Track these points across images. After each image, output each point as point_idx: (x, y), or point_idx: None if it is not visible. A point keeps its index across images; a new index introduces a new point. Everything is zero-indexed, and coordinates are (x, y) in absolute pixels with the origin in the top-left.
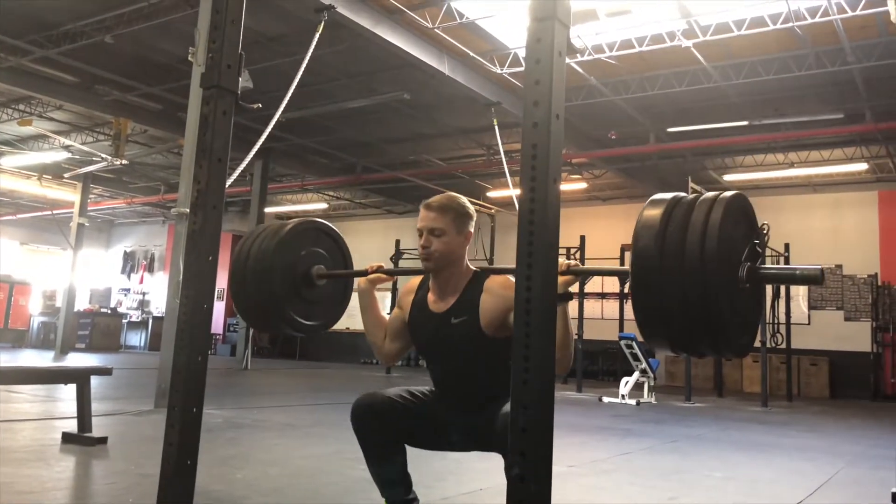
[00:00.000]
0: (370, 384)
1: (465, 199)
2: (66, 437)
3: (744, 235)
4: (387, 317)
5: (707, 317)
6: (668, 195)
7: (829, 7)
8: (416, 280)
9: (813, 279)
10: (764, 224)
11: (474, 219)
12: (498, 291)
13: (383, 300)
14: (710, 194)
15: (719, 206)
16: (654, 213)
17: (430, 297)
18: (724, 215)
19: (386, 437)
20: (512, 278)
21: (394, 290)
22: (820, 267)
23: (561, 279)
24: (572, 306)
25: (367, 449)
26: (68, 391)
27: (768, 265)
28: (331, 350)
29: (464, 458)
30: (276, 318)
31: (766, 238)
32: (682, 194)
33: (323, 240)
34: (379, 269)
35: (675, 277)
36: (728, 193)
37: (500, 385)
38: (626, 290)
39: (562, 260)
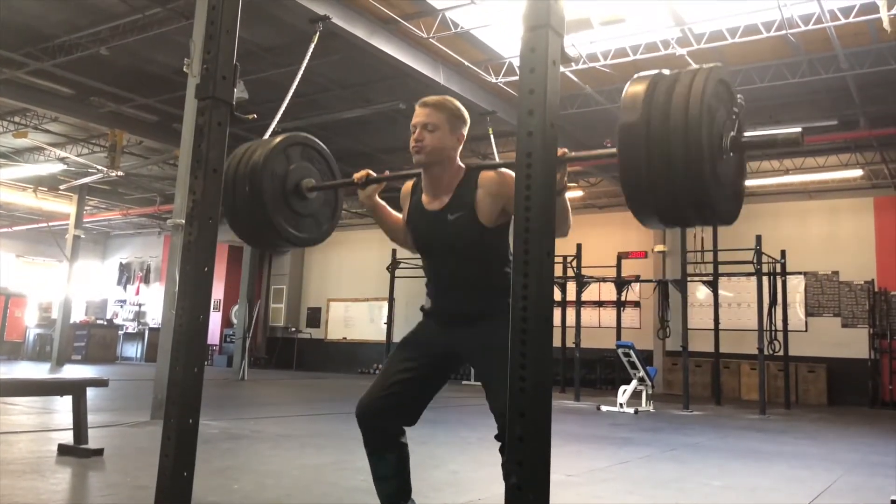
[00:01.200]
0: None
1: (460, 104)
2: (62, 449)
3: (725, 106)
4: (400, 216)
5: (692, 186)
6: (651, 72)
7: (823, 14)
8: (409, 185)
9: (792, 141)
10: (740, 96)
11: (468, 124)
12: (492, 186)
13: (380, 309)
14: (692, 68)
15: (701, 76)
16: (638, 88)
17: (425, 198)
18: (705, 85)
19: (384, 436)
20: (504, 171)
21: (391, 304)
22: (800, 130)
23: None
24: (570, 314)
25: (366, 445)
26: (64, 403)
27: (748, 133)
28: (328, 360)
29: (461, 469)
30: (267, 228)
31: (743, 108)
32: (665, 71)
33: (312, 156)
34: (368, 177)
35: (660, 148)
36: (708, 65)
37: (493, 290)
38: (623, 299)
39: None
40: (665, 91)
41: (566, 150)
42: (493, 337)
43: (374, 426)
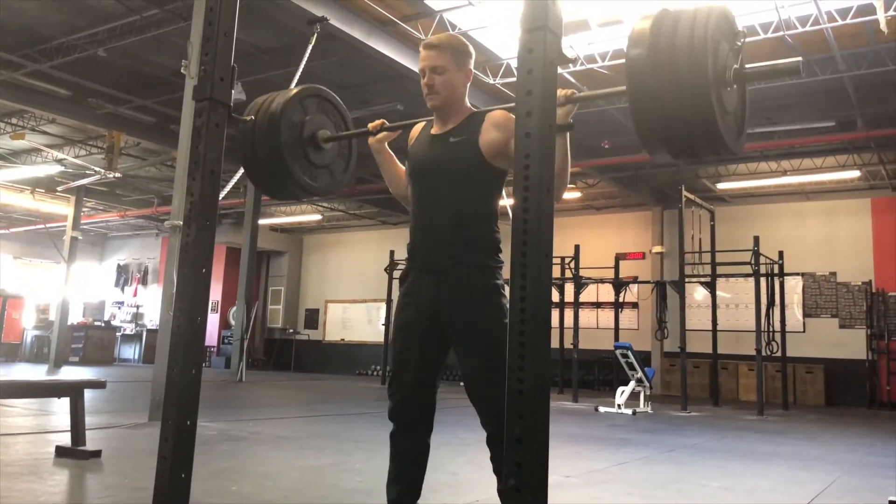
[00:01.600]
0: (366, 395)
1: (462, 38)
2: (60, 451)
3: (727, 40)
4: (403, 167)
5: (702, 117)
6: (656, 11)
7: (820, 16)
8: (420, 124)
9: (792, 70)
10: (742, 30)
11: (473, 57)
12: (500, 121)
13: (378, 311)
14: (695, 5)
15: (703, 11)
16: (644, 25)
17: (434, 128)
18: (708, 19)
19: (411, 431)
20: None
21: (389, 306)
22: (799, 59)
23: (562, 110)
24: (568, 315)
25: (393, 446)
26: (62, 405)
27: (750, 65)
28: (326, 362)
29: (460, 470)
30: (284, 175)
31: (744, 41)
32: (668, 8)
33: (327, 108)
34: (382, 126)
35: (668, 81)
36: (712, 1)
37: (477, 234)
38: (621, 300)
39: (562, 91)
40: (670, 27)
41: (575, 91)
42: (470, 293)
43: (408, 429)
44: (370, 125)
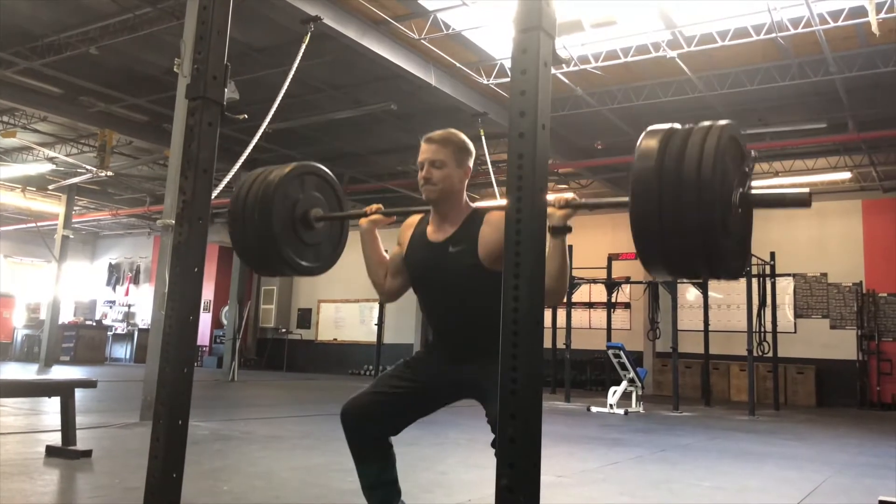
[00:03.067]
0: None
1: (464, 136)
2: (50, 451)
3: (735, 162)
4: (387, 255)
5: (704, 240)
6: (664, 126)
7: (812, 18)
8: (416, 217)
9: (801, 201)
10: (752, 151)
11: (473, 155)
12: (498, 224)
13: (371, 311)
14: (705, 124)
15: (713, 134)
16: (652, 142)
17: (430, 229)
18: (717, 143)
19: (365, 438)
20: None
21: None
22: (808, 190)
23: (560, 213)
24: (560, 315)
25: (350, 450)
26: (52, 404)
27: (757, 191)
28: (318, 361)
29: (451, 470)
30: (274, 257)
31: (753, 165)
32: (677, 125)
33: (320, 185)
34: (378, 210)
35: (673, 203)
36: (721, 122)
37: (490, 330)
38: (614, 300)
39: (562, 195)
40: (679, 145)
41: (576, 196)
42: (488, 371)
43: (357, 427)
44: (367, 209)
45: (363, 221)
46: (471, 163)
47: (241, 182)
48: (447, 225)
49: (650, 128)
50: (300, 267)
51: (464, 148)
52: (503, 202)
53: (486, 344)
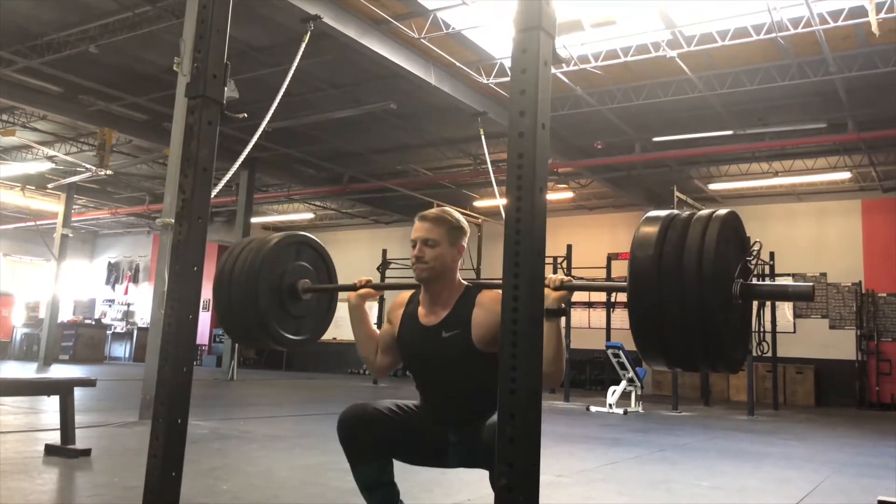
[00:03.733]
0: (357, 395)
1: (459, 215)
2: (49, 450)
3: (736, 252)
4: (377, 330)
5: (704, 333)
6: (663, 213)
7: (812, 18)
8: (405, 294)
9: (804, 295)
10: (756, 241)
11: (468, 234)
12: (490, 306)
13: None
14: (705, 213)
15: (714, 225)
16: (650, 230)
17: (421, 310)
18: (719, 234)
19: (368, 444)
20: None
21: (381, 305)
22: (811, 284)
23: (555, 294)
24: None
25: (349, 454)
26: (51, 403)
27: (759, 282)
28: (318, 361)
29: (450, 470)
30: (262, 333)
31: (758, 256)
32: (676, 212)
33: (308, 253)
34: (368, 284)
35: (672, 295)
36: (722, 212)
37: (488, 402)
38: (613, 300)
39: (556, 276)
40: (679, 234)
41: (571, 278)
42: (488, 422)
43: (353, 432)
44: (357, 281)
45: (352, 296)
46: (465, 242)
47: (227, 252)
48: (439, 307)
49: (649, 214)
50: (285, 340)
51: (458, 227)
52: (497, 282)
53: (482, 411)
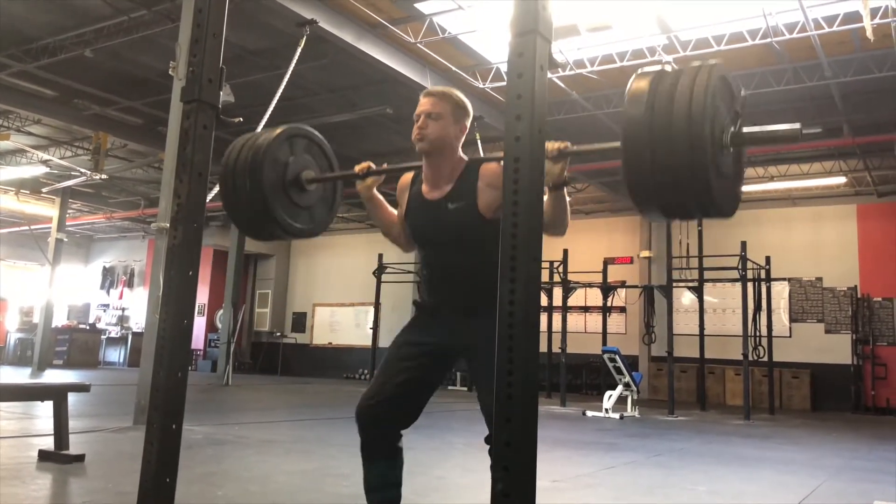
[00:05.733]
0: (353, 400)
1: (463, 95)
2: (43, 455)
3: (726, 101)
4: (395, 212)
5: (696, 180)
6: (654, 68)
7: (807, 23)
8: (408, 176)
9: (791, 137)
10: (742, 90)
11: (471, 116)
12: (493, 178)
13: (367, 314)
14: (694, 65)
15: (703, 73)
16: (642, 84)
17: (425, 187)
18: (708, 82)
19: (380, 436)
20: None
21: (377, 309)
22: (798, 125)
23: (557, 167)
24: (556, 319)
25: (361, 447)
26: (45, 408)
27: (748, 129)
28: (313, 365)
29: (448, 475)
30: (267, 219)
31: (744, 103)
32: (667, 69)
33: (311, 148)
34: (369, 169)
35: (664, 143)
36: (710, 62)
37: (491, 284)
38: (609, 304)
39: (553, 144)
40: (668, 87)
41: (568, 143)
42: (488, 332)
43: (375, 431)
44: (356, 168)
45: (361, 188)
46: (468, 122)
47: (229, 148)
48: (442, 182)
49: (639, 71)
50: (294, 229)
51: (462, 106)
52: (499, 154)
53: (484, 295)
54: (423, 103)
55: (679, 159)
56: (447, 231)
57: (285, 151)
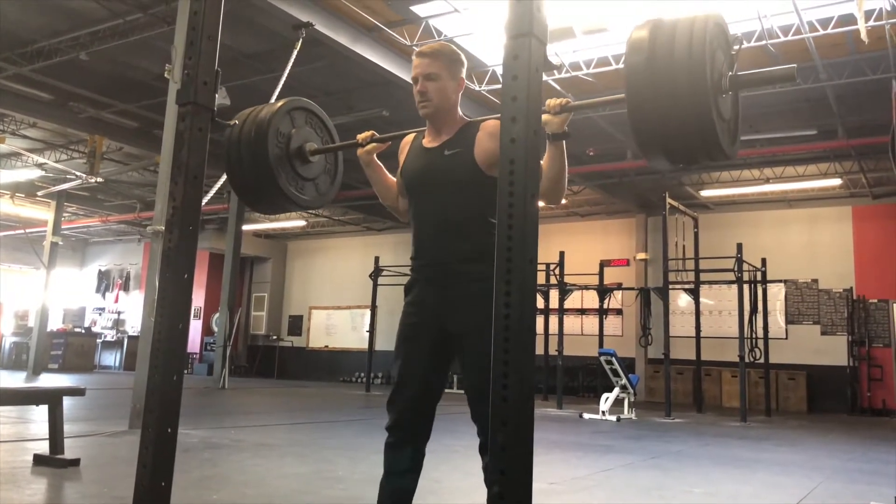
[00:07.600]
0: (350, 403)
1: (455, 47)
2: (38, 459)
3: (722, 47)
4: (394, 178)
5: (700, 124)
6: (652, 18)
7: (802, 26)
8: (410, 136)
9: (787, 76)
10: (737, 36)
11: (465, 66)
12: (494, 131)
13: (363, 317)
14: (690, 16)
15: (700, 21)
16: (642, 32)
17: (425, 140)
18: (705, 28)
19: (401, 451)
20: None
21: (374, 312)
22: (794, 66)
23: (557, 119)
24: (552, 321)
25: (385, 457)
26: (40, 412)
27: (745, 72)
28: (309, 369)
29: (445, 478)
30: (272, 189)
31: (739, 49)
32: (664, 20)
33: (312, 120)
34: (372, 137)
35: (666, 89)
36: (706, 11)
37: (480, 244)
38: (605, 306)
39: (556, 100)
40: (668, 34)
41: (570, 99)
42: (478, 317)
43: (406, 439)
44: (359, 136)
45: (361, 153)
46: (464, 73)
47: (232, 124)
48: (443, 134)
49: (637, 24)
50: (301, 200)
51: (456, 59)
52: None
53: (473, 259)
54: (418, 64)
55: (683, 105)
56: (440, 176)
57: (287, 124)
